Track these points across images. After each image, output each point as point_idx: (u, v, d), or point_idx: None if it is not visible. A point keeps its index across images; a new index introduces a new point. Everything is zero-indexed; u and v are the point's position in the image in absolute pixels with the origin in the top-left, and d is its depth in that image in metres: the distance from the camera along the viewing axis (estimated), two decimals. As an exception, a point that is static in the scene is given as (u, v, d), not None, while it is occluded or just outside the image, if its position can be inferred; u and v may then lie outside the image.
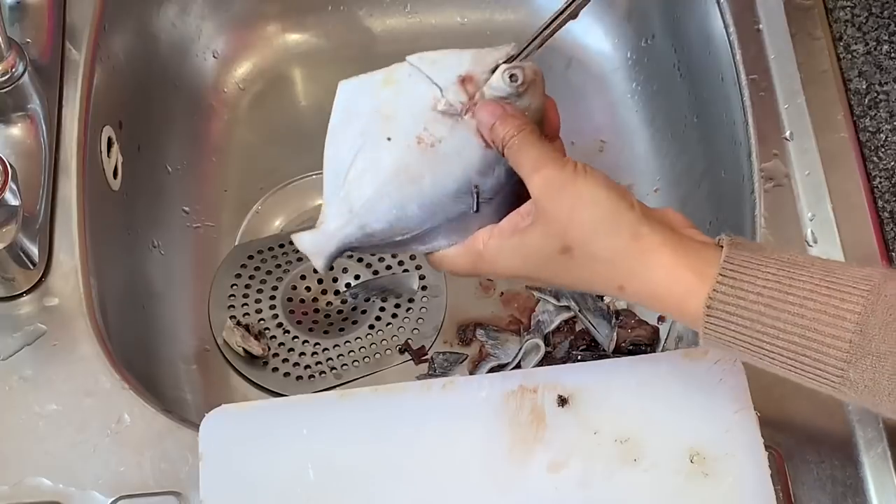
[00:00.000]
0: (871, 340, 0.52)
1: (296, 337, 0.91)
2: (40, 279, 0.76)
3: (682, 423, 0.66)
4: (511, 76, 0.62)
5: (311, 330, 0.91)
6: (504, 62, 0.62)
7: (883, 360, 0.52)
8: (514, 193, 0.63)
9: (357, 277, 0.94)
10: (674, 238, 0.58)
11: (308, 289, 0.94)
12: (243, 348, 0.89)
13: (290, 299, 0.93)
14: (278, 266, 0.94)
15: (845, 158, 0.80)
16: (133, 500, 0.68)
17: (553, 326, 0.88)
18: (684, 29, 0.95)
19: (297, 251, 0.94)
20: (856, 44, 0.84)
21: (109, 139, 0.87)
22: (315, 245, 0.66)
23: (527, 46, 0.63)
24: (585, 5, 0.61)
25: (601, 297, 0.90)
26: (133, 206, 0.90)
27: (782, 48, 0.84)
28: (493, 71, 0.62)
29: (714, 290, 0.56)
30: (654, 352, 0.85)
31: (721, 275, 0.56)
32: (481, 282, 0.93)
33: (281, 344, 0.90)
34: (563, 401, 0.67)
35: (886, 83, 0.83)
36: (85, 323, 0.74)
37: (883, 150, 0.80)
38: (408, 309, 0.92)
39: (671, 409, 0.67)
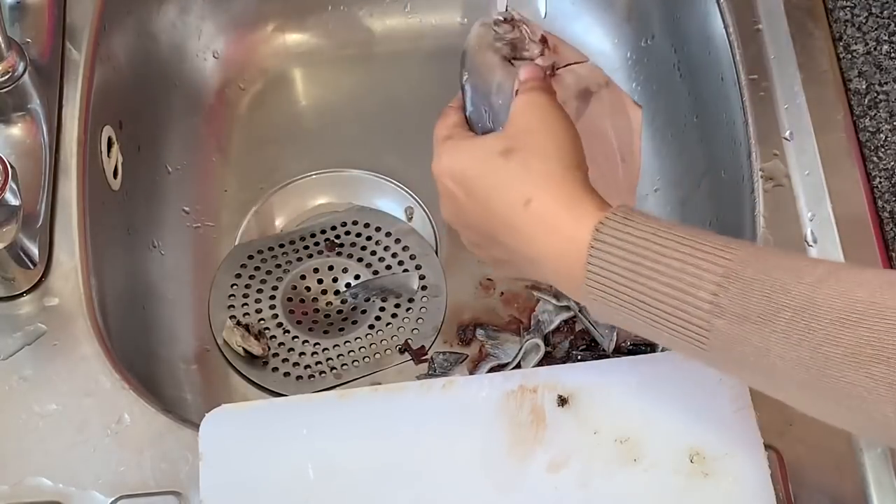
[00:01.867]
0: (746, 268, 0.52)
1: (296, 337, 0.91)
2: (40, 279, 0.76)
3: (682, 423, 0.66)
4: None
5: (311, 330, 0.91)
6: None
7: (754, 284, 0.52)
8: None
9: (357, 277, 0.94)
10: (591, 188, 0.61)
11: (308, 289, 0.94)
12: (243, 348, 0.89)
13: (290, 299, 0.93)
14: (278, 266, 0.94)
15: (845, 158, 0.80)
16: (133, 500, 0.68)
17: (553, 326, 0.88)
18: (684, 29, 0.95)
19: (297, 251, 0.95)
20: (856, 44, 0.84)
21: (109, 139, 0.87)
22: None
23: None
24: None
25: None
26: (133, 206, 0.90)
27: (782, 48, 0.84)
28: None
29: (607, 216, 0.57)
30: (654, 352, 0.85)
31: (617, 208, 0.58)
32: (481, 281, 0.93)
33: (281, 344, 0.90)
34: (563, 401, 0.67)
35: (886, 83, 0.83)
36: (85, 323, 0.74)
37: (883, 150, 0.80)
38: (408, 309, 0.92)
39: (671, 409, 0.67)
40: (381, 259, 0.95)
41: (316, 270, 0.94)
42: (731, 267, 0.53)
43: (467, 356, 0.89)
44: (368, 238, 0.96)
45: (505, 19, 0.70)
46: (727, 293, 0.53)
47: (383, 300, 0.93)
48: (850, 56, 0.84)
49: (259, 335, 0.90)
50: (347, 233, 0.96)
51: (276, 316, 0.92)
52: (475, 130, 0.69)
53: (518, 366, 0.87)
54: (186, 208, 0.97)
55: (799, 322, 0.50)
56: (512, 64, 0.69)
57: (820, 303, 0.50)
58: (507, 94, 0.68)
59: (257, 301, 0.92)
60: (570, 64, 0.71)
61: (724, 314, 0.53)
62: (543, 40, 0.70)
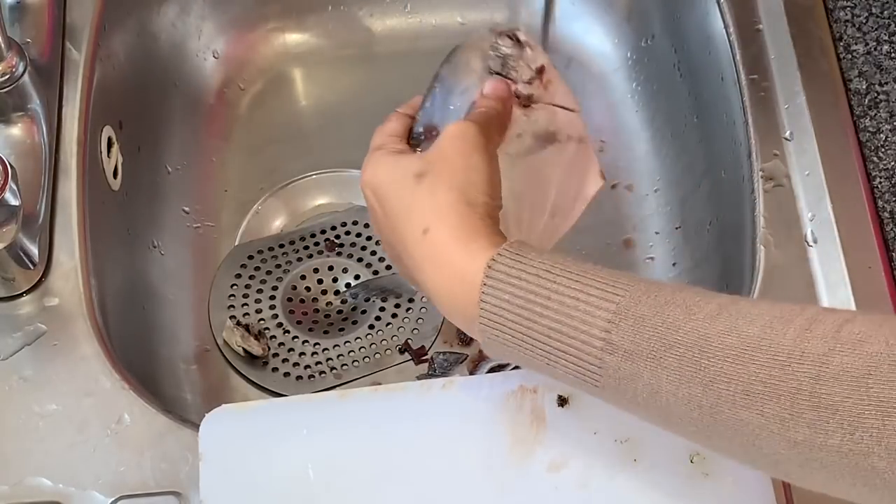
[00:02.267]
0: (638, 304, 0.52)
1: (296, 337, 0.91)
2: (40, 279, 0.76)
3: (682, 423, 0.66)
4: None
5: (311, 330, 0.91)
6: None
7: (645, 321, 0.51)
8: None
9: (357, 277, 0.94)
10: (494, 227, 0.60)
11: (308, 289, 0.94)
12: (243, 348, 0.89)
13: (290, 299, 0.93)
14: (278, 266, 0.94)
15: (845, 158, 0.80)
16: (133, 500, 0.68)
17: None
18: (684, 29, 0.95)
19: (297, 251, 0.95)
20: (856, 44, 0.84)
21: (109, 139, 0.87)
22: None
23: None
24: None
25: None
26: (133, 206, 0.90)
27: (782, 48, 0.84)
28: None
29: (499, 253, 0.56)
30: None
31: (509, 244, 0.57)
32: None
33: (281, 344, 0.90)
34: (563, 401, 0.67)
35: (886, 83, 0.83)
36: (85, 323, 0.74)
37: (883, 150, 0.80)
38: (408, 309, 0.92)
39: (671, 409, 0.67)
40: (381, 259, 0.95)
41: (316, 270, 0.94)
42: (622, 304, 0.52)
43: (467, 356, 0.89)
44: (368, 238, 0.96)
45: (509, 35, 0.69)
46: (618, 329, 0.52)
47: (383, 300, 0.93)
48: (850, 56, 0.84)
49: (259, 335, 0.90)
50: (347, 233, 0.96)
51: (276, 316, 0.92)
52: (416, 128, 0.68)
53: (518, 366, 0.87)
54: (186, 208, 0.97)
55: (690, 359, 0.50)
56: (494, 74, 0.68)
57: (712, 339, 0.50)
58: (467, 102, 0.68)
59: (257, 301, 0.92)
60: (553, 105, 0.69)
61: (616, 351, 0.52)
62: (540, 70, 0.69)
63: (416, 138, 0.68)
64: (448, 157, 0.61)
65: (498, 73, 0.68)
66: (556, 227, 0.71)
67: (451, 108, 0.68)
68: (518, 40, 0.69)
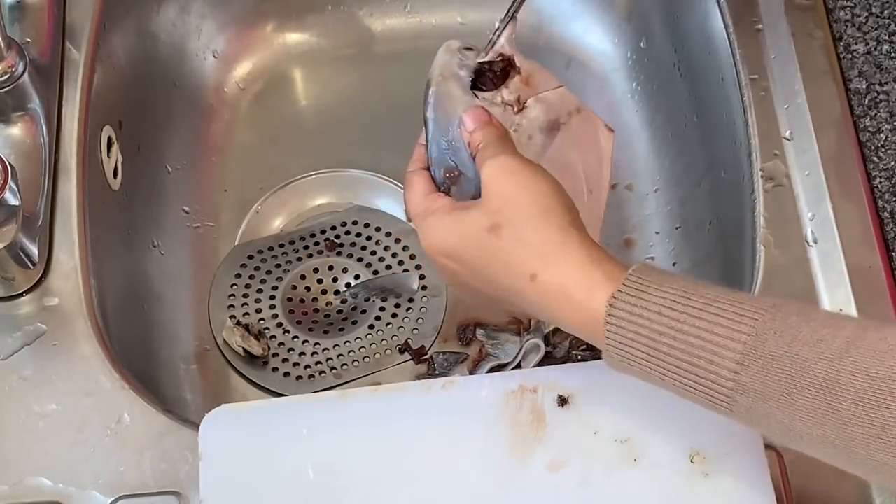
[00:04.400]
0: (766, 343, 0.52)
1: (296, 337, 0.91)
2: (40, 279, 0.76)
3: (682, 423, 0.66)
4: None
5: (311, 330, 0.91)
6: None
7: (774, 361, 0.52)
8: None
9: (357, 277, 0.94)
10: (594, 246, 0.59)
11: (308, 289, 0.94)
12: (243, 348, 0.89)
13: (290, 299, 0.93)
14: (278, 266, 0.94)
15: (845, 158, 0.80)
16: (133, 499, 0.68)
17: (553, 326, 0.88)
18: (684, 29, 0.95)
19: (297, 251, 0.95)
20: (856, 44, 0.84)
21: (109, 139, 0.87)
22: None
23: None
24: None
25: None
26: (133, 206, 0.90)
27: (782, 48, 0.84)
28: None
29: (619, 289, 0.56)
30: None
31: (628, 277, 0.57)
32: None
33: (281, 344, 0.90)
34: (563, 401, 0.67)
35: (886, 83, 0.83)
36: (85, 323, 0.75)
37: (883, 150, 0.80)
38: (408, 309, 0.92)
39: (671, 409, 0.66)
40: (381, 259, 0.95)
41: (316, 270, 0.94)
42: (750, 343, 0.52)
43: (467, 356, 0.89)
44: (368, 238, 0.96)
45: (468, 47, 0.68)
46: (748, 371, 0.52)
47: (383, 300, 0.93)
48: (850, 56, 0.84)
49: (259, 335, 0.90)
50: (347, 233, 0.96)
51: (276, 316, 0.92)
52: (436, 175, 0.68)
53: (518, 366, 0.87)
54: (186, 208, 0.97)
55: (822, 400, 0.51)
56: (476, 94, 0.68)
57: (842, 381, 0.50)
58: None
59: (257, 301, 0.92)
60: (540, 93, 0.69)
61: (747, 392, 0.53)
62: (509, 66, 0.68)
63: (443, 186, 0.68)
64: (510, 198, 0.61)
65: (478, 88, 0.68)
66: (598, 200, 0.72)
67: (456, 143, 0.67)
68: (475, 49, 0.68)
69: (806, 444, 0.53)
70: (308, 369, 0.89)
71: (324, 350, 0.90)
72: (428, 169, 0.68)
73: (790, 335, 0.52)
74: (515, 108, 0.68)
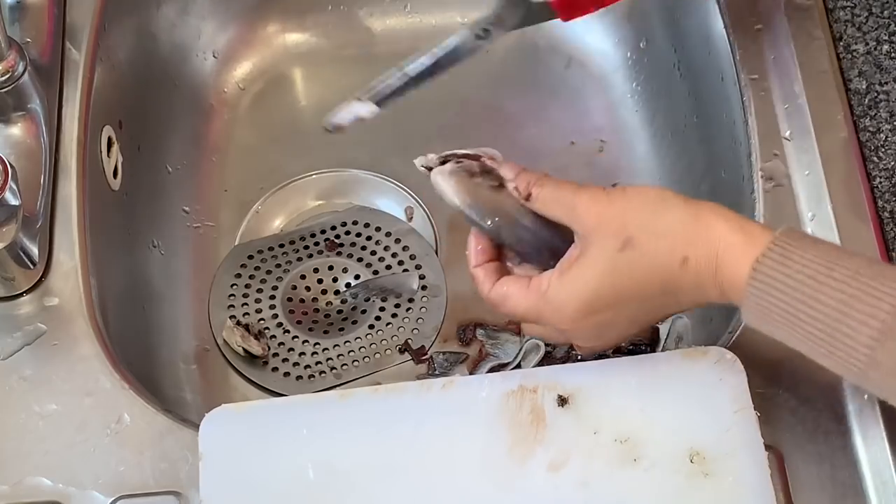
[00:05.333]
0: None
1: (296, 337, 0.91)
2: (40, 279, 0.76)
3: (682, 423, 0.66)
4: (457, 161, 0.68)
5: (311, 330, 0.91)
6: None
7: None
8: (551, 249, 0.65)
9: (357, 277, 0.94)
10: (725, 211, 0.60)
11: (308, 289, 0.94)
12: (243, 348, 0.89)
13: (290, 299, 0.93)
14: (278, 266, 0.94)
15: (845, 158, 0.80)
16: (133, 499, 0.68)
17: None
18: (684, 29, 0.95)
19: (297, 251, 0.95)
20: (856, 44, 0.84)
21: (109, 139, 0.87)
22: None
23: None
24: None
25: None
26: (133, 206, 0.90)
27: (782, 48, 0.84)
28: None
29: (763, 254, 0.57)
30: (654, 352, 0.85)
31: (773, 242, 0.57)
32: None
33: (281, 344, 0.90)
34: (563, 401, 0.67)
35: (886, 83, 0.83)
36: (85, 323, 0.74)
37: (883, 150, 0.80)
38: (408, 309, 0.92)
39: (671, 409, 0.67)
40: (381, 259, 0.95)
41: (316, 270, 0.94)
42: (888, 322, 0.53)
43: (467, 356, 0.89)
44: (368, 238, 0.96)
45: (446, 158, 0.68)
46: (883, 349, 0.53)
47: (383, 300, 0.93)
48: (850, 56, 0.84)
49: (259, 335, 0.90)
50: (347, 233, 0.96)
51: (276, 316, 0.92)
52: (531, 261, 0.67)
53: (518, 366, 0.87)
54: (186, 208, 0.97)
55: None
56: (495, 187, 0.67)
57: None
58: (523, 212, 0.66)
59: (257, 301, 0.92)
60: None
61: (880, 368, 0.54)
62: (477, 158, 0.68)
63: (535, 259, 0.67)
64: (620, 212, 0.61)
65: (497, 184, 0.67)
66: None
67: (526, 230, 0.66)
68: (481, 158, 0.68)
69: None
70: (308, 369, 0.89)
71: (324, 350, 0.90)
72: (491, 261, 0.68)
73: None
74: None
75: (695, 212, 0.60)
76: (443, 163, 0.67)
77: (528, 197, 0.64)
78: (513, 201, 0.66)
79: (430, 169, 0.68)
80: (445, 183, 0.67)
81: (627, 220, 0.60)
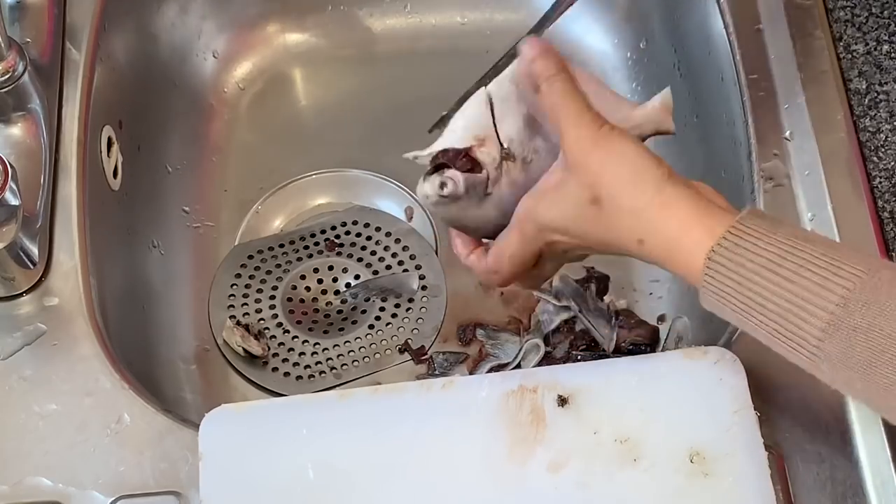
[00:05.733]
0: (852, 315, 0.53)
1: (296, 337, 0.91)
2: (40, 279, 0.76)
3: (682, 423, 0.66)
4: (441, 184, 0.65)
5: (311, 330, 0.91)
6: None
7: (858, 333, 0.52)
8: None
9: (357, 277, 0.94)
10: (695, 197, 0.60)
11: (308, 289, 0.94)
12: (243, 348, 0.89)
13: (290, 299, 0.93)
14: (278, 266, 0.94)
15: (845, 158, 0.80)
16: (133, 499, 0.68)
17: (553, 326, 0.88)
18: (684, 29, 0.95)
19: (297, 251, 0.95)
20: (856, 44, 0.84)
21: (109, 139, 0.87)
22: None
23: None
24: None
25: (601, 298, 0.89)
26: (133, 206, 0.90)
27: (782, 48, 0.84)
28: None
29: (718, 244, 0.57)
30: (654, 352, 0.85)
31: (728, 232, 0.57)
32: (482, 281, 0.93)
33: (281, 344, 0.90)
34: (563, 401, 0.67)
35: (886, 83, 0.83)
36: (85, 323, 0.75)
37: (883, 150, 0.80)
38: (408, 309, 0.92)
39: (671, 409, 0.67)
40: (381, 259, 0.95)
41: (316, 270, 0.94)
42: (837, 314, 0.53)
43: (467, 356, 0.89)
44: (368, 238, 0.96)
45: (437, 164, 0.66)
46: (832, 340, 0.53)
47: (383, 300, 0.93)
48: (850, 56, 0.84)
49: (259, 335, 0.90)
50: (347, 233, 0.96)
51: (276, 316, 0.92)
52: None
53: (518, 366, 0.87)
54: (186, 208, 0.97)
55: None
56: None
57: None
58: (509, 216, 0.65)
59: (257, 301, 0.92)
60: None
61: (829, 359, 0.54)
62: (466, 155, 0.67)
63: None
64: (598, 171, 0.60)
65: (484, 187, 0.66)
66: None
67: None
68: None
69: (886, 417, 0.54)
70: (308, 369, 0.89)
71: (324, 350, 0.90)
72: (478, 248, 0.69)
73: (877, 308, 0.53)
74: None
75: (663, 200, 0.59)
76: (436, 167, 0.66)
77: (537, 89, 0.64)
78: (497, 210, 0.66)
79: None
80: (433, 208, 0.68)
81: (600, 180, 0.60)
